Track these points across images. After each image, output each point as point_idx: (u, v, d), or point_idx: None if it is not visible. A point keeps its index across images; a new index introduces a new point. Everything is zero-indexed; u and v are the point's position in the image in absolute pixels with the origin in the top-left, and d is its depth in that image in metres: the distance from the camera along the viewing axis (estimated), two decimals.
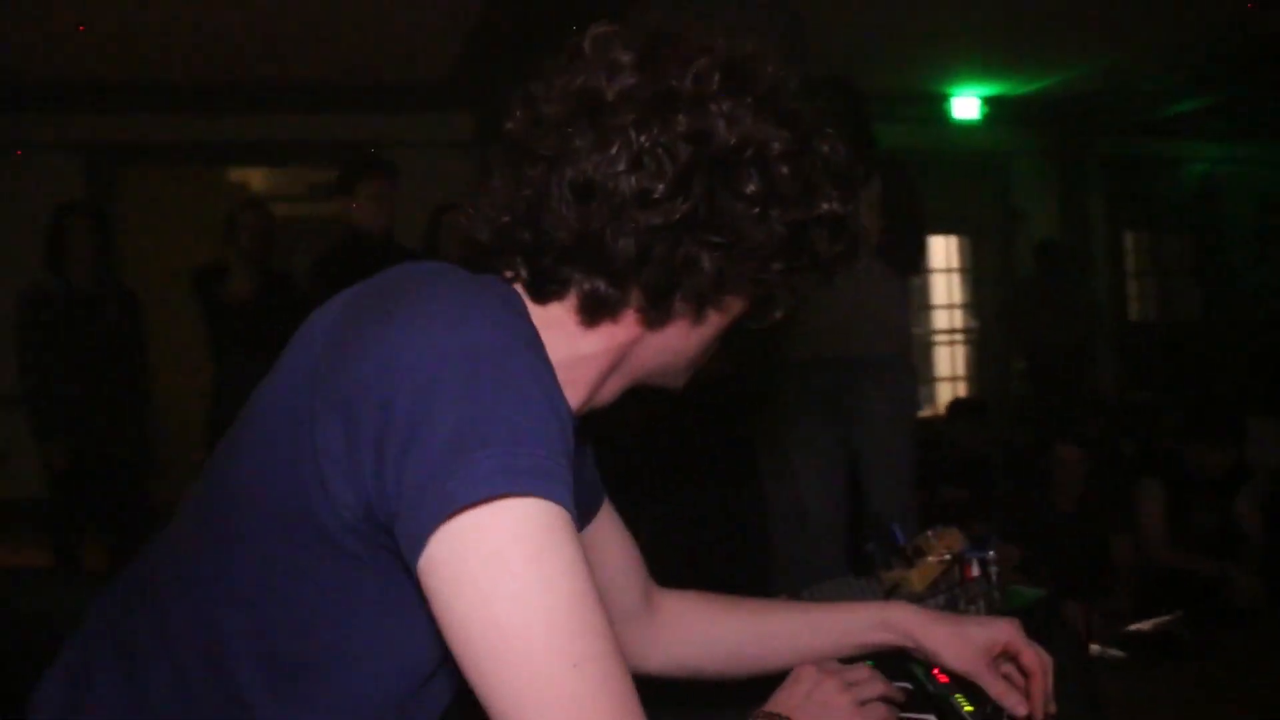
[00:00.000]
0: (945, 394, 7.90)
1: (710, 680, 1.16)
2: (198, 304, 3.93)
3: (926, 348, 8.16)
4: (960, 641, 1.08)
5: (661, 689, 1.12)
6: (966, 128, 7.55)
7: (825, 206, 0.85)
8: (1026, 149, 8.06)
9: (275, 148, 6.30)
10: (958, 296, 8.22)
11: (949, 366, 8.19)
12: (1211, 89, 7.24)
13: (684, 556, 2.53)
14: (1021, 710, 1.05)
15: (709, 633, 1.15)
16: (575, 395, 0.87)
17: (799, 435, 3.10)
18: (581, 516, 1.06)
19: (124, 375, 3.89)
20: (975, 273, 8.16)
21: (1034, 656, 1.06)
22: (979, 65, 6.90)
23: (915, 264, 3.21)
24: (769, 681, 1.05)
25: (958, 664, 1.08)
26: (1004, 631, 1.08)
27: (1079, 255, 7.89)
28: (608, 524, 1.10)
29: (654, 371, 0.92)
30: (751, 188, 0.81)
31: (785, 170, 0.82)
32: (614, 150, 0.79)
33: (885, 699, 1.04)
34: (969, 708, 1.08)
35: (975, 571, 1.50)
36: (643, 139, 0.79)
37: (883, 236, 3.03)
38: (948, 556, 1.45)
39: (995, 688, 1.06)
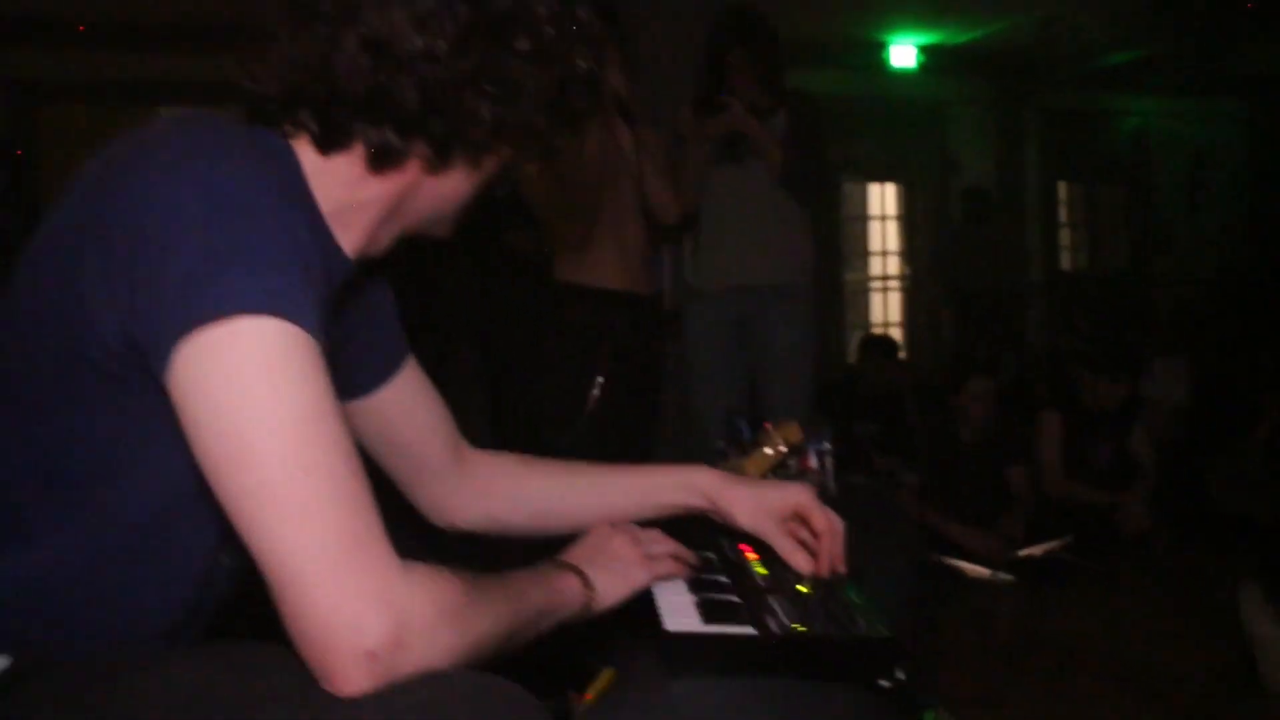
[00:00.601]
0: None
1: (518, 538, 1.21)
2: None
3: (863, 294, 8.27)
4: (754, 502, 1.14)
5: (462, 546, 1.18)
6: (903, 76, 7.59)
7: (582, 64, 0.93)
8: (963, 98, 8.13)
9: (203, 87, 6.17)
10: (893, 244, 8.31)
11: (883, 313, 8.31)
12: (1145, 41, 7.33)
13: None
14: (806, 568, 1.12)
15: (517, 490, 1.21)
16: (351, 240, 0.94)
17: (702, 357, 3.20)
18: (378, 369, 1.13)
19: None
20: (911, 220, 8.25)
21: (823, 519, 1.13)
22: (916, 14, 6.94)
23: (817, 195, 3.27)
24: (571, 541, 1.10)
25: (750, 523, 1.14)
26: (797, 494, 1.14)
27: (1013, 204, 8.02)
28: (412, 381, 1.16)
29: (426, 219, 0.98)
30: (523, 45, 0.89)
31: (550, 31, 0.90)
32: (401, 11, 0.86)
33: (675, 558, 1.10)
34: (762, 571, 1.15)
35: (813, 463, 1.57)
36: (427, 1, 0.85)
37: (786, 168, 3.08)
38: (783, 447, 1.51)
39: (783, 546, 1.12)
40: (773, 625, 1.00)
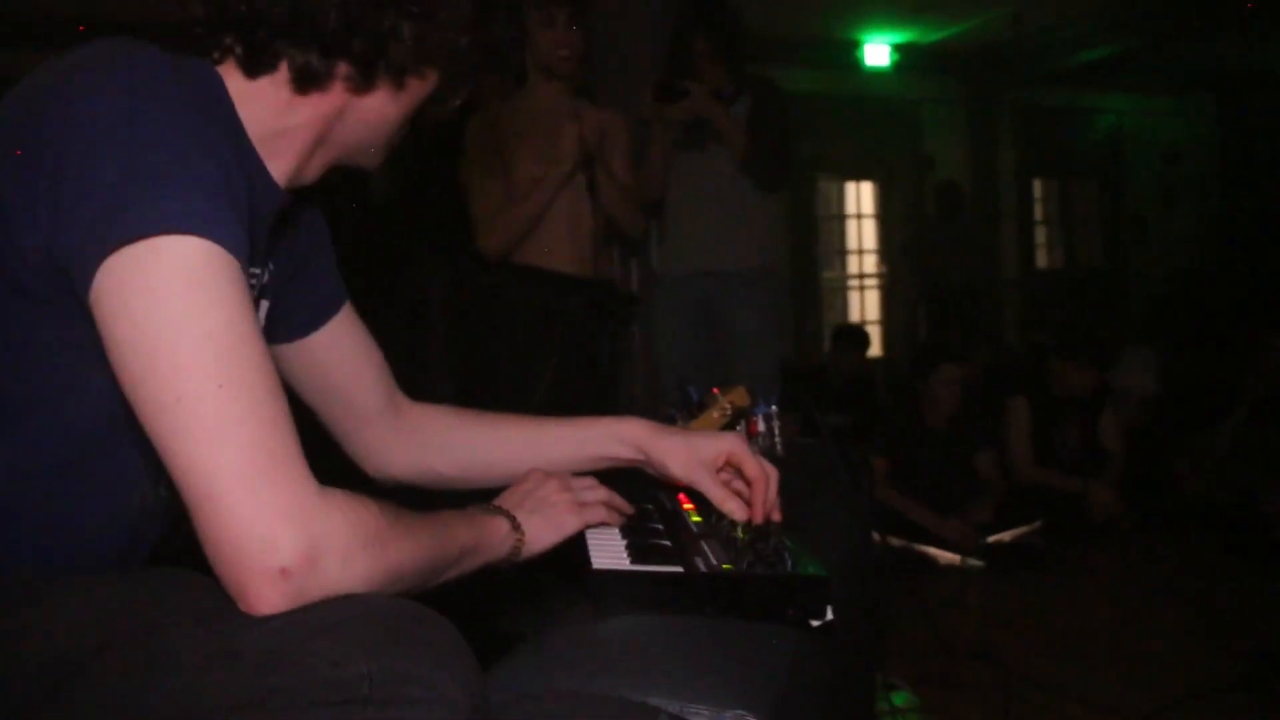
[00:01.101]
0: None
1: (453, 488, 1.22)
2: None
3: (840, 292, 8.29)
4: (686, 452, 1.15)
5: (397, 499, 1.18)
6: (878, 75, 7.63)
7: None
8: (937, 96, 8.18)
9: None
10: (870, 242, 8.34)
11: (860, 311, 8.33)
12: (1118, 38, 7.38)
13: None
14: (739, 515, 1.12)
15: (451, 440, 1.22)
16: (281, 168, 0.95)
17: (667, 340, 3.22)
18: (314, 312, 1.14)
19: None
20: (887, 219, 8.29)
21: (755, 467, 1.13)
22: (890, 12, 6.97)
23: (781, 181, 3.28)
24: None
25: (683, 473, 1.15)
26: (729, 443, 1.15)
27: (988, 202, 8.06)
28: (348, 326, 1.16)
29: (355, 146, 0.99)
30: None
31: None
32: None
33: (607, 505, 1.11)
34: (696, 519, 1.16)
35: (760, 426, 1.58)
36: None
37: (749, 153, 3.10)
38: (729, 410, 1.52)
39: (715, 494, 1.13)
40: (700, 565, 1.00)
